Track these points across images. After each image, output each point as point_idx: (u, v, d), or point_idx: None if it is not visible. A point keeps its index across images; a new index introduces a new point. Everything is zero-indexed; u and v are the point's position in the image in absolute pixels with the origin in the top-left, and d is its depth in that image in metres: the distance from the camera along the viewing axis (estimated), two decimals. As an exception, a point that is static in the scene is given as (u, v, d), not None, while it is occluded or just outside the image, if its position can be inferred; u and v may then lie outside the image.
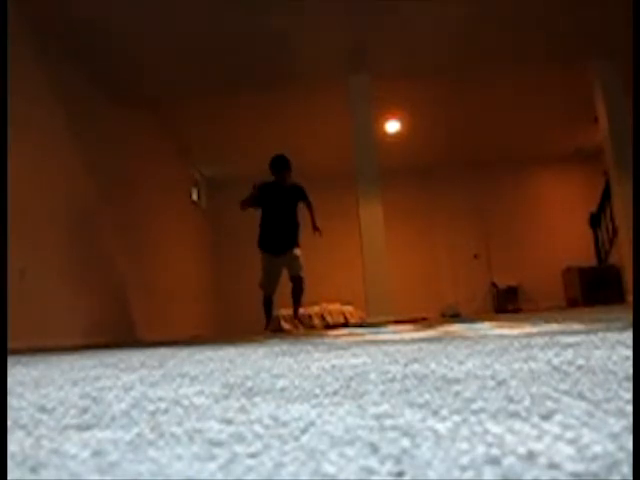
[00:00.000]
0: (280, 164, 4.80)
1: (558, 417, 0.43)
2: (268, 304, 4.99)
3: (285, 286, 4.91)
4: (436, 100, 7.13)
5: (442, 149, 9.09)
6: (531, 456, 0.33)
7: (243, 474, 0.33)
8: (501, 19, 5.40)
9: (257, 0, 4.80)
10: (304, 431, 0.43)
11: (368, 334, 2.44)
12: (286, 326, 5.67)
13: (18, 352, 2.54)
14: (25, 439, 0.46)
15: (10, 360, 1.67)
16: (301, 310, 5.55)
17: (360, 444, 0.38)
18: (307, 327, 6.20)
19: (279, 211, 4.79)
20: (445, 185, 10.06)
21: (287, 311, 5.66)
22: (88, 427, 0.50)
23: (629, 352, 0.83)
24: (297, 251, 4.82)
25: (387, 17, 5.20)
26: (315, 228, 4.89)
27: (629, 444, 0.34)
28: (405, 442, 0.38)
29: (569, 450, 0.34)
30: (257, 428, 0.45)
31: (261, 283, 4.93)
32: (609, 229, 7.81)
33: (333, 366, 0.92)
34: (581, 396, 0.50)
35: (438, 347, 1.21)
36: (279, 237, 4.79)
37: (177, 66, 5.86)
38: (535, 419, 0.42)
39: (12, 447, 0.43)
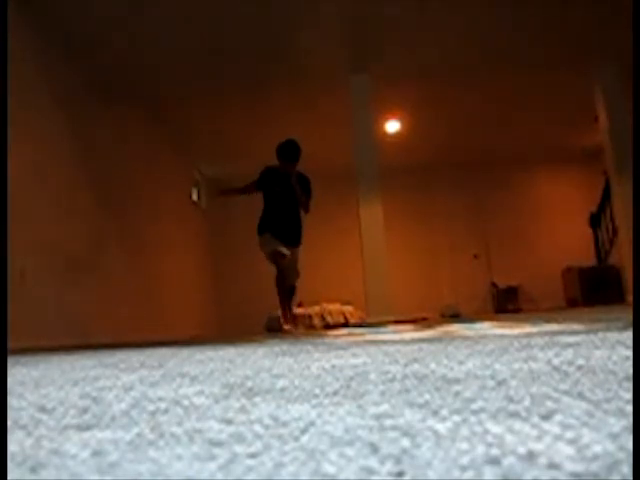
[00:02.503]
0: (289, 153, 4.34)
1: (558, 417, 0.43)
2: (283, 286, 4.32)
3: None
4: (436, 100, 7.13)
5: (442, 149, 9.09)
6: (531, 456, 0.33)
7: (243, 474, 0.33)
8: (502, 20, 5.41)
9: (258, 0, 4.81)
10: (304, 431, 0.43)
11: (368, 334, 2.44)
12: (286, 327, 5.65)
13: (18, 352, 2.54)
14: (25, 439, 0.46)
15: (10, 360, 1.67)
16: (300, 310, 5.48)
17: (360, 444, 0.38)
18: (307, 327, 6.20)
19: (284, 199, 4.41)
20: (445, 185, 10.06)
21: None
22: (88, 427, 0.50)
23: (629, 352, 0.83)
24: (299, 253, 4.54)
25: (388, 17, 5.21)
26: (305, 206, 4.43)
27: (629, 444, 0.34)
28: (405, 442, 0.38)
29: (569, 450, 0.34)
30: (257, 428, 0.45)
31: (268, 253, 4.32)
32: (609, 229, 7.82)
33: (333, 366, 0.92)
34: (581, 396, 0.50)
35: (438, 347, 1.21)
36: (285, 226, 4.42)
37: (177, 66, 5.87)
38: (535, 419, 0.42)
39: (12, 447, 0.43)
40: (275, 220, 4.42)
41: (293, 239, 4.48)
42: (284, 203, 4.43)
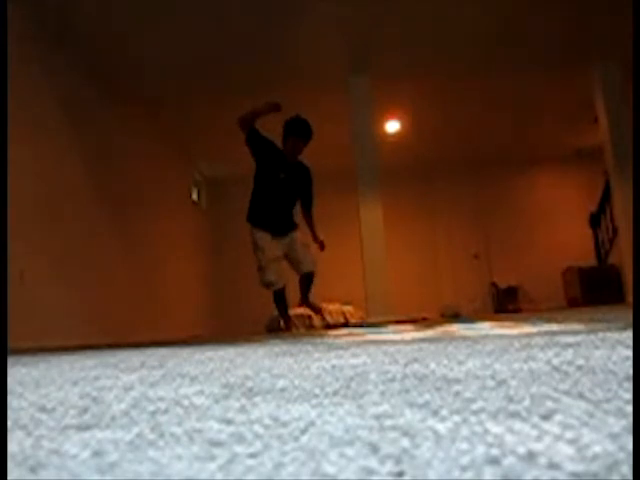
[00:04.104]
0: (302, 129, 3.92)
1: (558, 417, 0.43)
2: (281, 299, 4.13)
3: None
4: (436, 100, 7.13)
5: (442, 149, 9.09)
6: (531, 456, 0.33)
7: (243, 474, 0.33)
8: (502, 20, 5.40)
9: (258, 1, 4.81)
10: (304, 431, 0.43)
11: (368, 334, 2.43)
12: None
13: (18, 352, 2.54)
14: (25, 439, 0.46)
15: (10, 360, 1.67)
16: (301, 310, 5.38)
17: (360, 444, 0.38)
18: (307, 327, 6.19)
19: (285, 189, 3.98)
20: (445, 185, 10.06)
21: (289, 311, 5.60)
22: (88, 427, 0.50)
23: (629, 352, 0.83)
24: (299, 236, 4.07)
25: (388, 17, 5.21)
26: (316, 239, 4.12)
27: (629, 444, 0.34)
28: (405, 442, 0.38)
29: (569, 450, 0.34)
30: (257, 428, 0.45)
31: (263, 280, 3.95)
32: (609, 229, 7.82)
33: (333, 366, 0.92)
34: (581, 396, 0.50)
35: (438, 347, 1.21)
36: (277, 214, 3.97)
37: (177, 66, 5.87)
38: (535, 419, 0.42)
39: (12, 447, 0.43)
40: (262, 207, 3.97)
41: (288, 226, 4.05)
42: (284, 194, 3.98)
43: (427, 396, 0.55)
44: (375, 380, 0.70)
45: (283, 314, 4.30)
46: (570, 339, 1.18)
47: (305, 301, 4.28)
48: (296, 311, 6.08)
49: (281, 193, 4.00)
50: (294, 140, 3.96)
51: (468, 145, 9.02)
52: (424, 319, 6.78)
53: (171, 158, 7.99)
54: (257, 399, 0.60)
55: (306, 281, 4.14)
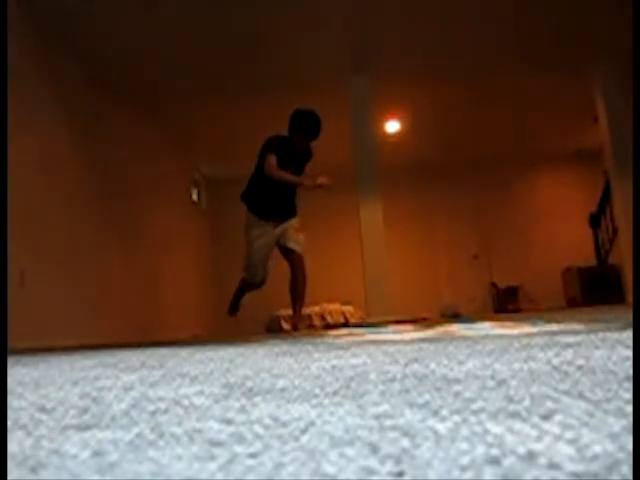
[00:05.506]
0: (313, 127, 3.75)
1: (558, 417, 0.43)
2: (243, 291, 4.15)
3: (284, 282, 4.55)
4: (436, 100, 7.13)
5: (442, 149, 9.09)
6: (531, 456, 0.33)
7: (243, 474, 0.33)
8: (502, 20, 5.40)
9: (258, 1, 4.81)
10: (304, 431, 0.43)
11: (368, 334, 2.43)
12: (286, 326, 5.62)
13: (18, 352, 2.54)
14: (25, 439, 0.46)
15: (10, 360, 1.67)
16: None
17: (360, 444, 0.38)
18: (307, 327, 6.20)
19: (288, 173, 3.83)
20: (445, 185, 10.06)
21: (287, 311, 5.61)
22: (88, 427, 0.50)
23: (629, 352, 0.83)
24: (295, 222, 3.95)
25: (388, 17, 5.21)
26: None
27: (629, 444, 0.34)
28: (405, 442, 0.38)
29: (569, 450, 0.34)
30: (257, 428, 0.45)
31: (246, 266, 3.94)
32: (609, 229, 7.82)
33: (333, 366, 0.92)
34: (581, 396, 0.50)
35: (438, 347, 1.21)
36: (280, 202, 3.89)
37: (177, 66, 5.87)
38: (535, 419, 0.42)
39: (12, 447, 0.43)
40: (274, 201, 3.86)
41: (288, 213, 3.95)
42: (289, 188, 3.85)
43: (427, 396, 0.55)
44: (375, 380, 0.70)
45: (235, 302, 4.27)
46: (570, 339, 1.18)
47: (295, 317, 4.06)
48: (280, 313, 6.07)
49: (285, 188, 3.89)
50: (302, 138, 3.85)
51: (468, 145, 9.02)
52: (424, 319, 6.78)
53: (171, 158, 7.99)
54: (257, 399, 0.60)
55: (296, 278, 3.91)
